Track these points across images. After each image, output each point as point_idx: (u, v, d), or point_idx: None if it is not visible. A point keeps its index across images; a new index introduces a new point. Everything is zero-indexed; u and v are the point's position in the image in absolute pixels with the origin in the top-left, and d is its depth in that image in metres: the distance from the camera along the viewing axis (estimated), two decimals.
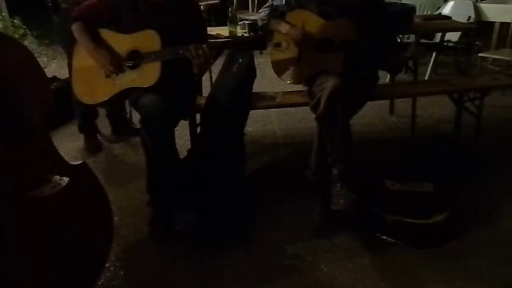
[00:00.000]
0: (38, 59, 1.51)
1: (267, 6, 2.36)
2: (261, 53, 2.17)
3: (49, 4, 2.68)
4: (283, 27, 2.23)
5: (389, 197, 2.10)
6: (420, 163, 2.66)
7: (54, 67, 4.07)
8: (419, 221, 1.95)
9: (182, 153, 2.25)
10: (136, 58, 2.06)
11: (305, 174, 2.20)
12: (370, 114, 3.35)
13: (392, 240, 1.99)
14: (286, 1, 2.28)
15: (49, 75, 3.45)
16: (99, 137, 3.11)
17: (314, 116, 2.07)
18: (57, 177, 1.44)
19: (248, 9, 5.82)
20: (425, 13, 4.14)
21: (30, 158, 1.42)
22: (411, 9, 2.93)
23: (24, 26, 3.56)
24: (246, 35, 2.69)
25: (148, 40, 2.02)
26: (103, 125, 3.18)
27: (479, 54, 3.82)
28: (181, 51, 1.95)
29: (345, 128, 2.00)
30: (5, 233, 1.33)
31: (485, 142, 2.81)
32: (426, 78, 3.95)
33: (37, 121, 1.44)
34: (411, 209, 1.99)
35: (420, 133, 3.10)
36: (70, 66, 2.27)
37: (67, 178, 1.44)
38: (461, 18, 3.65)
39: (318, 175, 2.16)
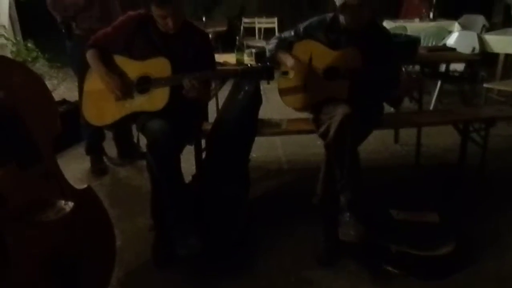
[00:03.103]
0: (49, 82, 1.54)
1: (276, 38, 2.41)
2: (268, 83, 2.19)
3: (63, 31, 2.75)
4: (289, 61, 2.22)
5: (394, 226, 2.08)
6: (425, 192, 2.65)
7: (63, 89, 4.14)
8: (424, 253, 1.93)
9: (187, 178, 2.26)
10: (146, 83, 2.11)
11: (311, 201, 2.19)
12: (375, 142, 3.35)
13: (397, 271, 1.97)
14: (295, 32, 2.33)
15: (59, 97, 3.51)
16: (105, 160, 3.13)
17: (323, 143, 2.08)
18: (62, 201, 1.45)
19: (254, 36, 5.94)
20: (429, 45, 4.20)
21: (36, 181, 1.43)
22: (415, 40, 2.98)
23: (36, 49, 3.65)
24: (252, 63, 2.74)
25: (159, 66, 2.08)
26: (110, 148, 3.22)
27: (484, 85, 3.86)
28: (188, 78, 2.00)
29: (354, 155, 2.01)
30: (9, 256, 1.33)
31: (490, 172, 2.80)
32: (431, 107, 3.97)
33: (43, 145, 1.45)
34: (416, 240, 1.97)
35: (425, 162, 3.09)
36: (81, 88, 2.32)
37: (72, 203, 1.45)
38: (465, 49, 3.70)
39: (325, 202, 2.15)
